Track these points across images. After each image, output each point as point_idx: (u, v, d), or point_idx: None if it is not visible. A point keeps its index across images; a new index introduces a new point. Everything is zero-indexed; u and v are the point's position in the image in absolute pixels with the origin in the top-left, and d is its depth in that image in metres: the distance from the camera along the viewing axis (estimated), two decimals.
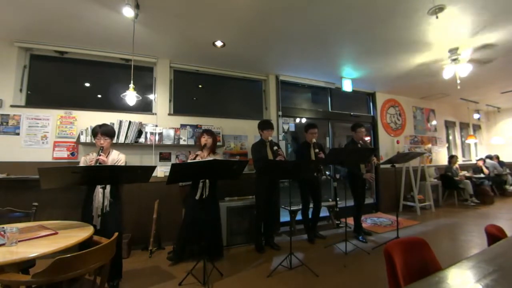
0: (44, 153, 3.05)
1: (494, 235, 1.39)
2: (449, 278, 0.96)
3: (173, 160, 3.57)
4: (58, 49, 3.24)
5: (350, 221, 3.85)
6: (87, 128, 3.05)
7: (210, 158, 2.69)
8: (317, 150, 3.38)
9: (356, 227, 3.63)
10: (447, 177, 5.97)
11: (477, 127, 8.06)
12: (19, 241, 1.39)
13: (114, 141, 2.63)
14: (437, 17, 2.61)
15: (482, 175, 6.46)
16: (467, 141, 7.40)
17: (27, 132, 3.02)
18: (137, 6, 2.40)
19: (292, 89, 4.90)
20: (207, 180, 2.71)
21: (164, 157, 3.53)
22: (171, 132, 3.49)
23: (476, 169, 6.75)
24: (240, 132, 4.07)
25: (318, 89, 5.06)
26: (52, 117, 3.12)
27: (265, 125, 3.31)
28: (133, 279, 2.46)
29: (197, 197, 2.73)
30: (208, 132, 2.98)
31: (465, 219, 4.59)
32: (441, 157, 6.55)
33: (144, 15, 2.57)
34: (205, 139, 2.89)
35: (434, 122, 6.56)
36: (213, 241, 2.81)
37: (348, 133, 7.17)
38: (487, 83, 5.17)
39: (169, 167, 2.08)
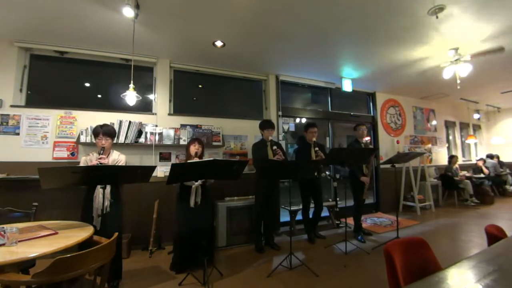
0: (44, 153, 3.05)
1: (494, 235, 1.39)
2: (449, 278, 0.96)
3: (173, 160, 3.57)
4: (58, 49, 3.24)
5: (350, 221, 3.85)
6: (87, 128, 3.05)
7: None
8: (316, 149, 3.37)
9: (356, 227, 3.63)
10: (447, 177, 5.97)
11: (477, 127, 8.06)
12: (19, 241, 1.39)
13: (114, 141, 2.62)
14: (437, 17, 2.61)
15: (482, 175, 6.46)
16: (467, 141, 7.40)
17: (27, 132, 3.02)
18: (137, 6, 2.40)
19: (292, 89, 4.90)
20: (199, 186, 2.58)
21: (164, 157, 3.53)
22: (171, 132, 3.49)
23: (476, 169, 6.75)
24: (240, 132, 4.07)
25: (318, 89, 5.06)
26: (52, 117, 3.12)
27: (266, 125, 3.31)
28: (133, 279, 2.46)
29: (192, 205, 2.55)
30: (199, 140, 2.83)
31: (465, 219, 4.59)
32: (441, 157, 6.55)
33: (144, 15, 2.57)
34: (196, 148, 2.73)
35: (434, 122, 6.56)
36: (208, 244, 2.70)
37: (348, 133, 7.20)
38: (487, 83, 5.17)
39: (169, 167, 2.08)
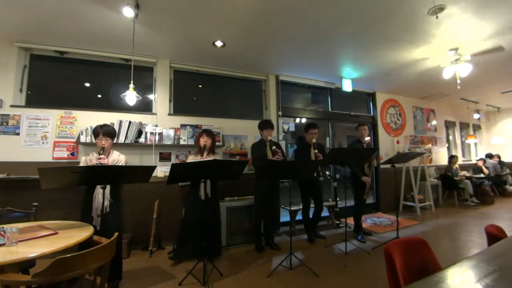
0: (44, 153, 3.04)
1: (494, 235, 1.39)
2: (449, 278, 0.96)
3: (173, 160, 3.57)
4: (58, 49, 3.24)
5: (350, 221, 3.85)
6: (87, 128, 3.05)
7: (211, 158, 2.68)
8: (316, 151, 3.36)
9: (356, 227, 3.63)
10: (447, 177, 5.97)
11: (477, 127, 8.06)
12: (19, 241, 1.39)
13: (114, 141, 2.62)
14: (437, 17, 2.61)
15: (482, 175, 6.46)
16: (467, 141, 7.39)
17: (27, 132, 3.02)
18: (137, 6, 2.40)
19: (292, 89, 4.90)
20: (208, 180, 2.67)
21: (164, 157, 3.53)
22: (171, 132, 3.49)
23: (476, 169, 6.75)
24: (240, 132, 4.07)
25: (318, 89, 5.06)
26: (52, 117, 3.12)
27: (265, 125, 3.31)
28: (133, 279, 2.46)
29: (202, 197, 2.63)
30: (208, 132, 2.95)
31: (465, 219, 4.58)
32: (441, 157, 6.55)
33: (144, 15, 2.57)
34: (205, 140, 2.86)
35: (434, 122, 6.56)
36: (213, 240, 2.81)
37: (348, 133, 7.20)
38: (487, 83, 5.16)
39: (169, 167, 2.08)
